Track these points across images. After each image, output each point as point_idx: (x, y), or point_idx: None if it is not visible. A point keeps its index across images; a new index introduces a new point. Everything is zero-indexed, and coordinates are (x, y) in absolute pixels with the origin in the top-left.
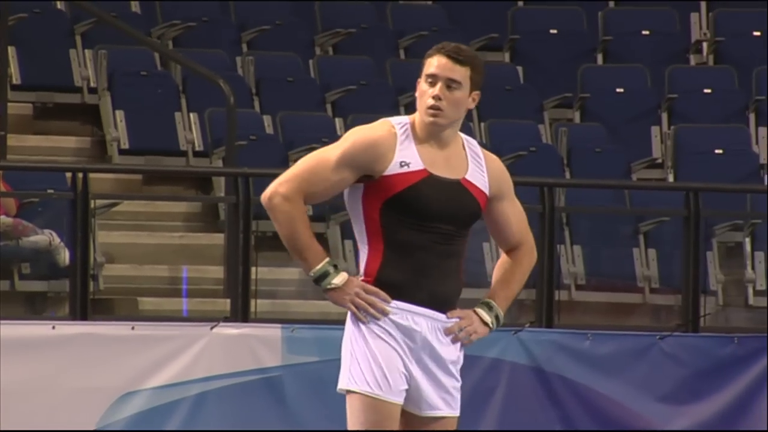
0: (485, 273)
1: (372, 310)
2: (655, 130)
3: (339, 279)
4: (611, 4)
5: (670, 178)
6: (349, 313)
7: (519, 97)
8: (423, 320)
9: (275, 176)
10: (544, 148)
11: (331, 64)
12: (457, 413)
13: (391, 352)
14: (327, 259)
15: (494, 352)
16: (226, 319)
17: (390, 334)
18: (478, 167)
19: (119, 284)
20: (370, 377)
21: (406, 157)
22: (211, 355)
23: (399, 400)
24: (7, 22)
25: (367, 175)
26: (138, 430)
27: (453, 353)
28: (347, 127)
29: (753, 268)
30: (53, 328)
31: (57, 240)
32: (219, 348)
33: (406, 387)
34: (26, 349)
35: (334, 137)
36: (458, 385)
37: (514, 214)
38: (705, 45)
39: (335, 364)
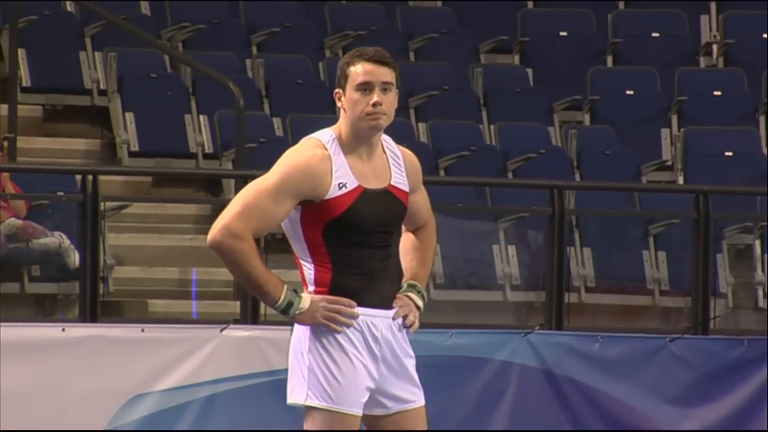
0: (494, 275)
1: (342, 319)
2: (664, 132)
3: (304, 302)
4: (621, 6)
5: (680, 181)
6: (298, 327)
7: (528, 99)
8: (379, 321)
9: None
10: (554, 150)
11: None
12: (424, 402)
13: (353, 362)
14: (285, 287)
15: (504, 355)
16: (236, 321)
17: (351, 342)
18: (398, 168)
19: (129, 286)
20: (331, 391)
21: (342, 176)
22: (220, 358)
23: (359, 411)
24: (17, 24)
25: (307, 200)
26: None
27: (405, 346)
28: None
29: (763, 270)
30: (63, 330)
31: (67, 242)
32: (228, 350)
33: (366, 397)
34: (36, 351)
35: None
36: (416, 374)
37: (423, 199)
38: (715, 47)
39: None
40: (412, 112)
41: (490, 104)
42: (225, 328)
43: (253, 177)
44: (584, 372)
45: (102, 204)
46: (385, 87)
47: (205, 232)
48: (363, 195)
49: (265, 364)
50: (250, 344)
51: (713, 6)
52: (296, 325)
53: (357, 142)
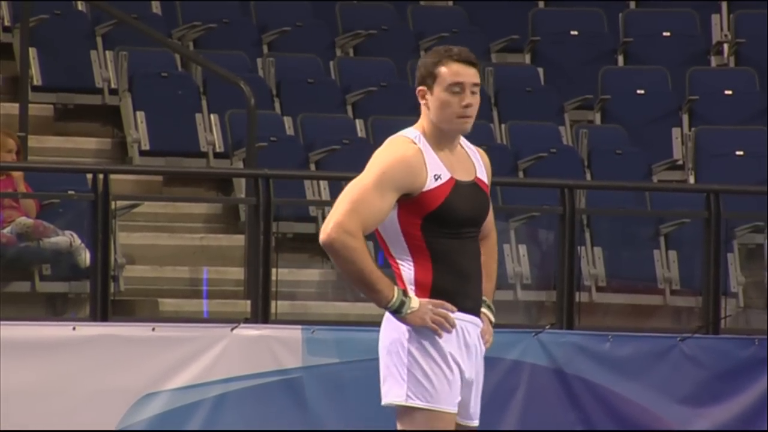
0: (505, 274)
1: (447, 324)
2: (675, 131)
3: (415, 303)
4: (632, 5)
5: (691, 180)
6: (392, 328)
7: (540, 98)
8: (471, 327)
9: (296, 178)
10: (565, 149)
11: (351, 66)
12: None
13: (450, 363)
14: (396, 287)
15: (514, 354)
16: (247, 321)
17: (450, 344)
18: (479, 163)
19: (140, 285)
20: (433, 391)
21: (435, 168)
22: (231, 357)
23: (456, 410)
24: (28, 23)
25: (405, 194)
26: (158, 431)
27: (482, 361)
28: (368, 129)
29: None
30: (74, 329)
31: (78, 241)
32: (239, 349)
33: (459, 398)
34: (47, 350)
35: (354, 139)
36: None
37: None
38: (726, 47)
39: (355, 365)
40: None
41: (501, 103)
42: (236, 327)
43: (265, 176)
44: (595, 371)
45: (113, 203)
46: (474, 89)
47: (216, 231)
48: (456, 186)
49: (276, 363)
50: (261, 343)
51: (724, 5)
52: (389, 327)
53: (441, 140)
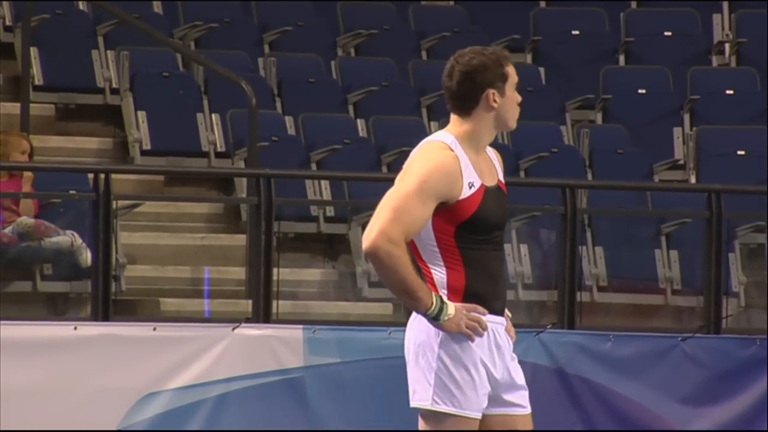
0: (506, 273)
1: (480, 329)
2: (677, 131)
3: (451, 309)
4: (633, 5)
5: (692, 180)
6: (421, 330)
7: (541, 98)
8: (500, 328)
9: (297, 177)
10: (566, 149)
11: (352, 66)
12: (530, 409)
13: (478, 369)
14: (434, 294)
15: (516, 353)
16: (248, 320)
17: (480, 349)
18: (499, 165)
19: (141, 285)
20: (460, 396)
21: (469, 176)
22: (232, 356)
23: (480, 415)
24: (29, 23)
25: (441, 202)
26: (159, 431)
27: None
28: (369, 129)
29: None
30: (75, 328)
31: (79, 241)
32: (240, 349)
33: (486, 402)
34: (48, 350)
35: (355, 138)
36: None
37: None
38: (727, 46)
39: (357, 365)
40: (424, 110)
41: None
42: (237, 326)
43: (266, 176)
44: (596, 371)
45: (114, 202)
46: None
47: (217, 230)
48: (486, 193)
49: (277, 362)
50: (262, 343)
51: (726, 5)
52: (417, 328)
53: (476, 144)
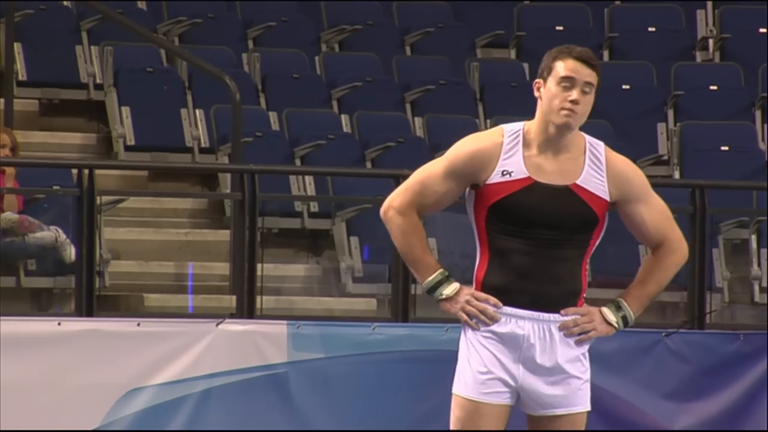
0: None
1: (483, 317)
2: (661, 127)
3: (449, 289)
4: (617, 1)
5: (676, 175)
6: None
7: (525, 93)
8: (528, 323)
9: (281, 173)
10: None
11: (337, 61)
12: (580, 408)
13: (489, 357)
14: (439, 270)
15: None
16: (232, 316)
17: (491, 337)
18: (596, 172)
19: (125, 281)
20: (465, 380)
21: (509, 165)
22: (216, 352)
23: (495, 400)
24: (13, 18)
25: (475, 183)
26: (143, 431)
27: (569, 350)
28: (353, 124)
29: (759, 265)
30: (59, 324)
31: (63, 236)
32: (224, 344)
33: (507, 389)
34: (32, 346)
35: (339, 134)
36: (580, 381)
37: (649, 213)
38: (711, 42)
39: (341, 360)
40: (408, 106)
41: (486, 99)
42: (221, 322)
43: (250, 171)
44: None
45: (98, 198)
46: (585, 87)
47: (201, 226)
48: (531, 187)
49: (261, 358)
50: (246, 339)
51: (709, 1)
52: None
53: (545, 137)
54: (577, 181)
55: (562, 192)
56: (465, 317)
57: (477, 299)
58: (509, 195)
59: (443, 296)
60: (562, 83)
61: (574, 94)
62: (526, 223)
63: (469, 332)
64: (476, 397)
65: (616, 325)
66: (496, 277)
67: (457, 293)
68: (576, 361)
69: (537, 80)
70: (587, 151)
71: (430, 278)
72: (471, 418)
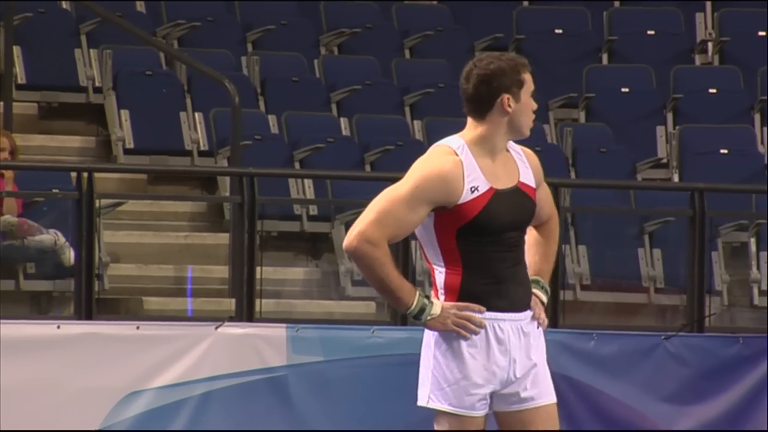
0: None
1: (471, 326)
2: (660, 130)
3: (436, 309)
4: (616, 4)
5: (675, 178)
6: (427, 334)
7: None
8: (507, 324)
9: (281, 176)
10: (549, 147)
11: (336, 64)
12: (553, 400)
13: (471, 365)
14: (418, 294)
15: None
16: (231, 319)
17: (474, 346)
18: (524, 165)
19: (124, 284)
20: (451, 393)
21: (473, 180)
22: (215, 355)
23: (478, 412)
24: (12, 21)
25: (440, 206)
26: (143, 430)
27: (538, 342)
28: (352, 127)
29: (758, 268)
30: (58, 327)
31: (62, 239)
32: (224, 348)
33: (487, 399)
34: (31, 349)
35: (338, 137)
36: (547, 370)
37: (545, 194)
38: (710, 45)
39: (340, 363)
40: (407, 109)
41: None
42: (220, 325)
43: (249, 174)
44: (579, 370)
45: (97, 201)
46: None
47: (200, 229)
48: (495, 196)
49: (260, 361)
50: (245, 342)
51: (709, 3)
52: (425, 331)
53: (490, 148)
54: (520, 179)
55: (515, 192)
56: (457, 330)
57: (460, 309)
58: (482, 210)
59: (432, 316)
60: (532, 95)
61: (535, 105)
62: (495, 232)
63: (447, 342)
64: (465, 412)
65: (545, 302)
66: (473, 286)
67: (442, 310)
68: (543, 352)
69: (505, 95)
70: (509, 148)
71: (415, 302)
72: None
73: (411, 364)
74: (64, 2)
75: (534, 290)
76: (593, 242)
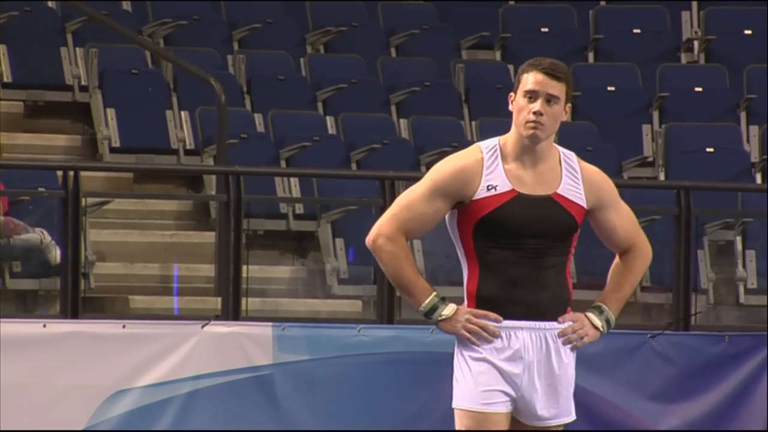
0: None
1: (484, 334)
2: (646, 128)
3: (448, 310)
4: (602, 2)
5: (661, 177)
6: (455, 337)
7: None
8: (524, 333)
9: (267, 174)
10: None
11: (322, 63)
12: (568, 419)
13: (488, 370)
14: (434, 293)
15: None
16: (217, 318)
17: (491, 355)
18: (573, 180)
19: (110, 282)
20: (467, 392)
21: (493, 180)
22: (201, 354)
23: (497, 409)
24: None
25: (460, 201)
26: (129, 430)
27: (563, 359)
28: (338, 125)
29: (744, 266)
30: (44, 326)
31: (48, 238)
32: (210, 346)
33: (507, 398)
34: (17, 348)
35: (325, 135)
36: (570, 390)
37: (619, 219)
38: (696, 43)
39: (326, 362)
40: (393, 108)
41: (471, 100)
42: (206, 324)
43: (235, 173)
44: None
45: (83, 200)
46: (549, 99)
47: (186, 228)
48: (516, 199)
49: (246, 360)
50: (232, 340)
51: (695, 2)
52: (455, 338)
53: (521, 149)
54: (557, 190)
55: (545, 201)
56: (467, 335)
57: (476, 316)
58: (496, 208)
59: (442, 317)
60: (527, 96)
61: (537, 106)
62: (513, 235)
63: (466, 348)
64: (481, 408)
65: (601, 329)
66: (489, 289)
67: (455, 313)
68: (569, 368)
69: (510, 93)
70: (562, 161)
71: (427, 301)
72: (479, 427)
73: (397, 362)
74: (49, 1)
75: (588, 312)
76: (579, 240)
